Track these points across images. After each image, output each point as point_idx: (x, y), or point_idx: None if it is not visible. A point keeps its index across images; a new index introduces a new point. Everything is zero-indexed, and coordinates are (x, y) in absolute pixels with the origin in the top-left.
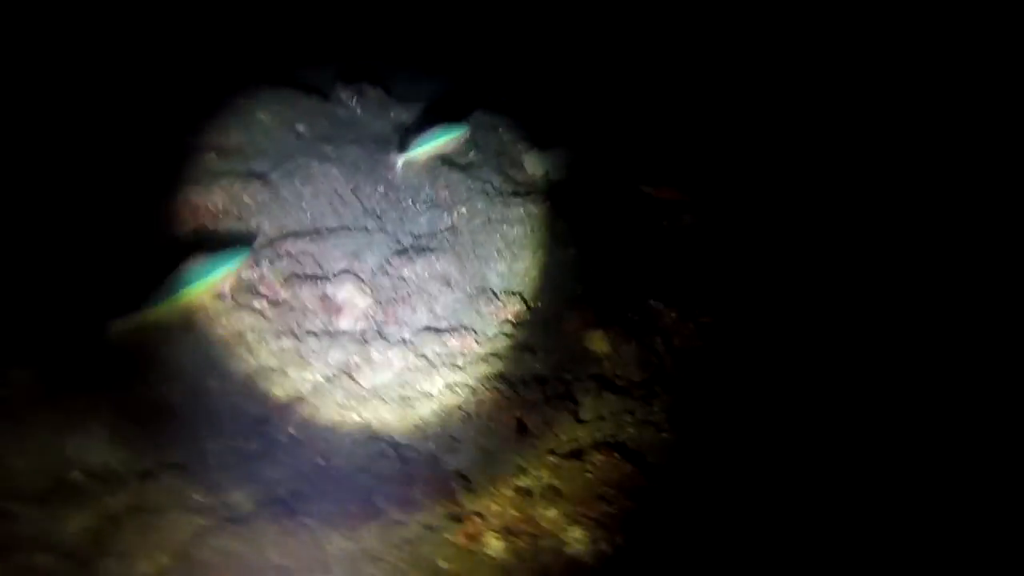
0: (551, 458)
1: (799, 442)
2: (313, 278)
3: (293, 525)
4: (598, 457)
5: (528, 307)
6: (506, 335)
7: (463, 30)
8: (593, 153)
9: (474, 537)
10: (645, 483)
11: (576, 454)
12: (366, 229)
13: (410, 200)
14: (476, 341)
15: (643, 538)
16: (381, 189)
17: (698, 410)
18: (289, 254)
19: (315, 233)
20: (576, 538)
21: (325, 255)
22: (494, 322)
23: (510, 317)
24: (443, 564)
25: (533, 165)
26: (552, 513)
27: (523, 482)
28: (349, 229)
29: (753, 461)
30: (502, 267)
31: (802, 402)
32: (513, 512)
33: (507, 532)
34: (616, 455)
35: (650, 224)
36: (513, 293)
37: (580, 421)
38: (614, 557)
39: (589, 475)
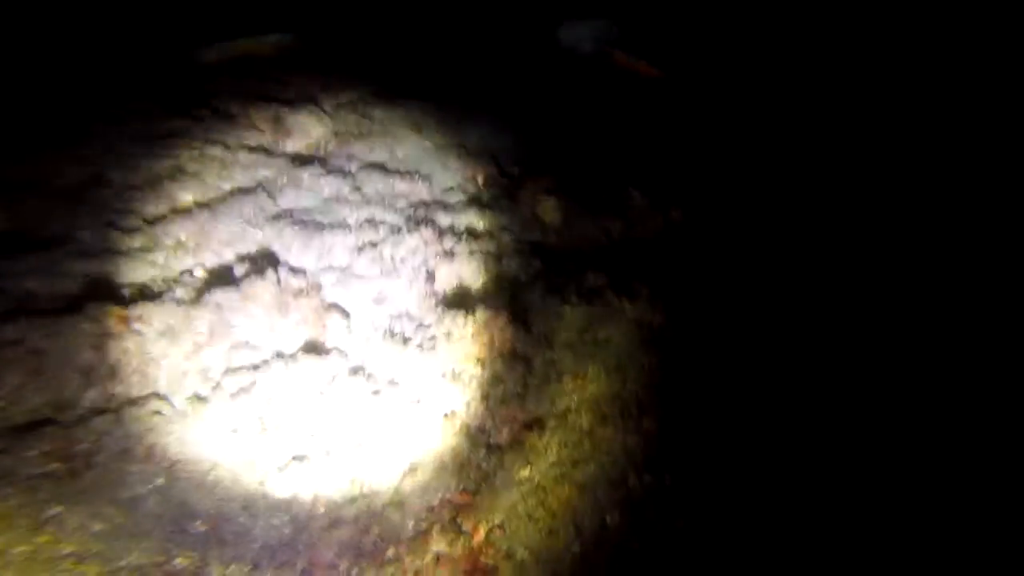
0: (441, 308)
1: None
2: (271, 99)
3: (124, 329)
4: (484, 315)
5: (500, 170)
6: (461, 190)
7: None
8: (634, 29)
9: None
10: (522, 351)
11: (467, 307)
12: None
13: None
14: (427, 190)
15: (496, 405)
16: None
17: (622, 303)
18: (255, 76)
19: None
20: (433, 395)
21: (296, 83)
22: (457, 177)
23: (477, 176)
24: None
25: (566, 35)
26: (422, 363)
27: (401, 327)
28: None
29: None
30: (488, 128)
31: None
32: (383, 355)
33: (361, 372)
34: (504, 317)
35: (658, 106)
36: (491, 155)
37: (490, 279)
38: (462, 419)
39: (470, 329)
